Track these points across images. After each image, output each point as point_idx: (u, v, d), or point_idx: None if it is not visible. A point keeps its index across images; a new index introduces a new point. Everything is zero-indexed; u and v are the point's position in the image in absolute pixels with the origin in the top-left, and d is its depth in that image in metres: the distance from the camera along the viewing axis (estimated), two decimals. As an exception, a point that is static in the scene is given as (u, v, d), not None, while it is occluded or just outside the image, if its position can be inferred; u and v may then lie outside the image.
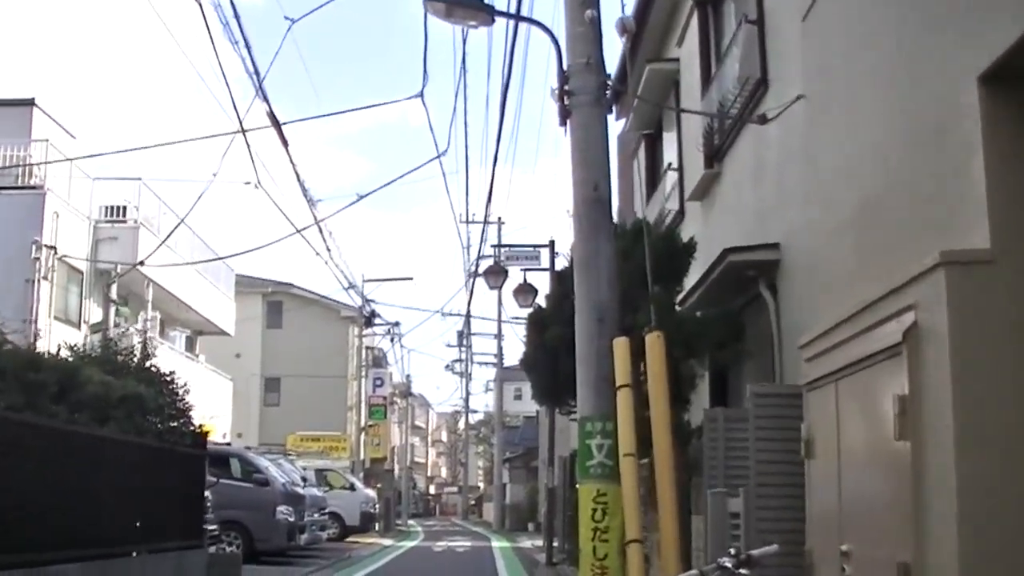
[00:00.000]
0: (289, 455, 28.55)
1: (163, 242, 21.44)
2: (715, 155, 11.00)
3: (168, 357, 28.48)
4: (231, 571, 14.64)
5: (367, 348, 45.59)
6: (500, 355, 47.16)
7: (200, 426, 13.06)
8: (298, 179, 16.90)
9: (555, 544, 23.46)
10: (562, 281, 11.73)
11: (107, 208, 26.81)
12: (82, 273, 25.62)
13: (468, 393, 63.28)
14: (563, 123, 8.95)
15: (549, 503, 23.79)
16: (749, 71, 9.73)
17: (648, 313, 8.45)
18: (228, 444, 23.58)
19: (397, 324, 40.30)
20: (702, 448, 8.03)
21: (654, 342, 7.43)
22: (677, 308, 9.60)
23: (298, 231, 22.94)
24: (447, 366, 63.24)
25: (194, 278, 30.80)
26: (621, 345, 7.69)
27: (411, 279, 35.84)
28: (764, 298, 8.79)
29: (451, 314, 56.50)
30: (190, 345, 34.09)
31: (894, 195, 5.24)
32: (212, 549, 16.48)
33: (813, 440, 5.59)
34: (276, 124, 13.82)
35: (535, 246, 24.46)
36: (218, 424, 32.45)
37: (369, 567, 21.24)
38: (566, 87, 8.85)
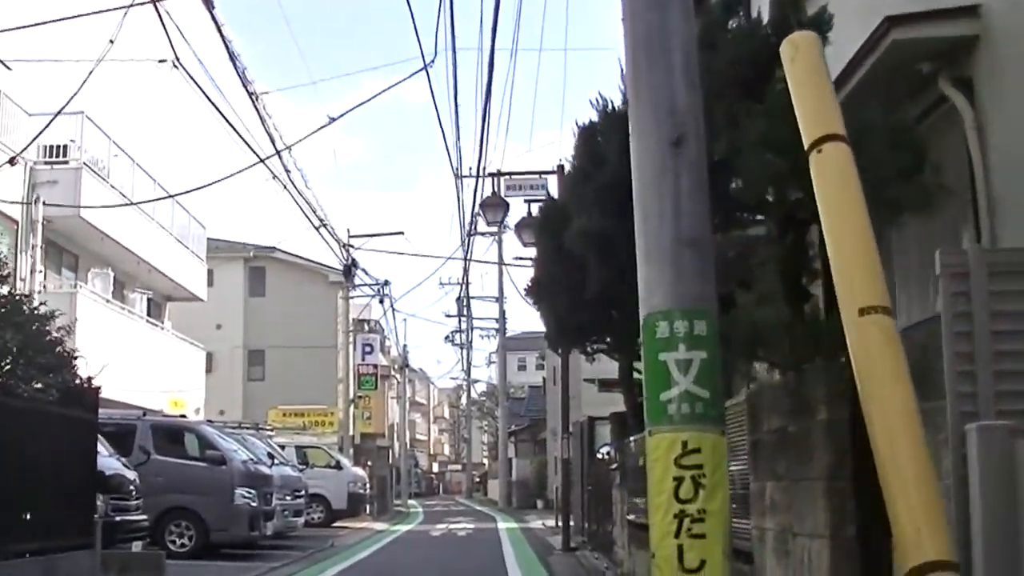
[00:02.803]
0: (263, 429, 24.96)
1: (56, 117, 17.33)
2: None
3: (122, 322, 24.96)
4: (151, 574, 11.04)
5: (360, 321, 41.86)
6: (501, 305, 43.64)
7: (88, 380, 9.37)
8: (232, 59, 13.07)
9: (572, 523, 20.08)
10: (588, 141, 7.96)
11: (46, 148, 23.07)
12: (17, 222, 21.99)
13: (469, 362, 59.80)
14: None
15: (564, 478, 20.20)
16: None
17: (745, 133, 4.80)
18: (183, 416, 19.97)
19: (387, 283, 36.44)
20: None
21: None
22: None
23: (261, 160, 19.26)
24: (447, 337, 60.03)
25: (157, 234, 27.11)
26: (807, 47, 3.94)
27: (401, 233, 32.89)
28: (953, 105, 5.10)
29: (449, 283, 53.10)
30: (157, 312, 30.41)
31: None
32: (138, 546, 12.91)
33: None
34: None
35: (541, 173, 20.66)
36: (189, 398, 28.99)
37: (348, 560, 17.67)
38: None
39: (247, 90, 14.66)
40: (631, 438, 11.84)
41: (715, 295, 4.65)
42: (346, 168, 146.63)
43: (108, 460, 12.82)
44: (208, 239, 36.65)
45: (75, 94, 14.45)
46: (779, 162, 4.72)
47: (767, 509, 5.39)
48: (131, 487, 12.73)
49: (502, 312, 43.78)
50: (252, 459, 17.97)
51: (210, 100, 13.55)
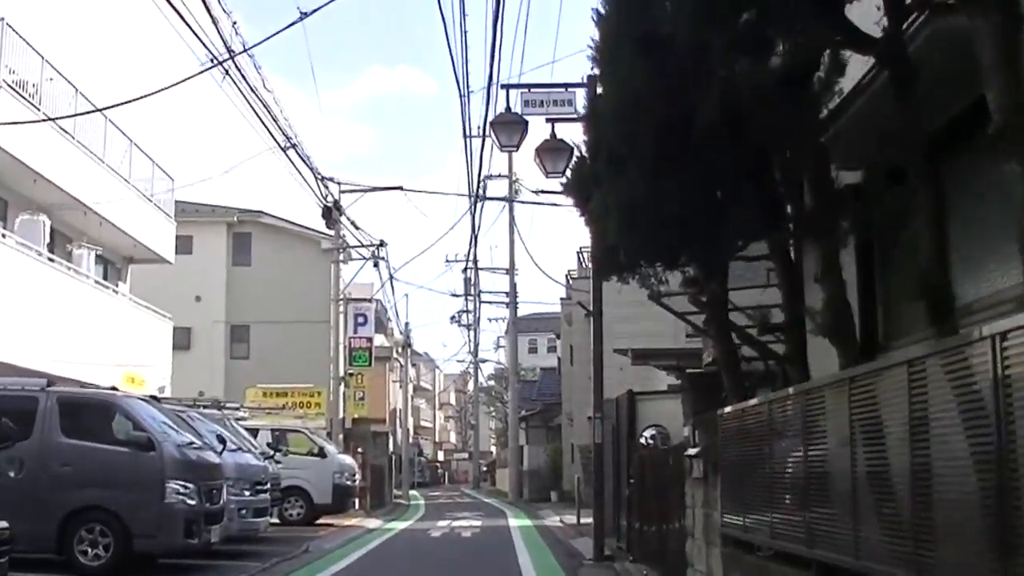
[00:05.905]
0: (228, 408, 20.79)
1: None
2: None
3: (61, 282, 20.74)
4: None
5: (356, 300, 37.55)
6: (512, 255, 39.39)
7: None
8: None
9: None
10: None
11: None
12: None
13: (477, 342, 55.71)
14: None
15: (596, 467, 15.99)
16: None
17: None
18: (114, 389, 15.79)
19: (383, 244, 31.91)
20: None
21: None
22: None
23: (219, 62, 15.03)
24: (453, 317, 56.07)
25: (110, 181, 22.81)
26: None
27: (400, 188, 29.02)
28: None
29: (455, 259, 49.21)
30: (116, 275, 26.21)
31: None
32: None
33: None
34: None
35: (567, 85, 16.42)
36: (150, 374, 24.82)
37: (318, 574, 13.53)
38: None
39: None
40: (730, 408, 7.60)
41: None
42: (351, 154, 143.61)
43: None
44: (187, 202, 32.58)
45: None
46: None
47: None
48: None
49: (512, 248, 39.43)
50: (194, 444, 13.76)
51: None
